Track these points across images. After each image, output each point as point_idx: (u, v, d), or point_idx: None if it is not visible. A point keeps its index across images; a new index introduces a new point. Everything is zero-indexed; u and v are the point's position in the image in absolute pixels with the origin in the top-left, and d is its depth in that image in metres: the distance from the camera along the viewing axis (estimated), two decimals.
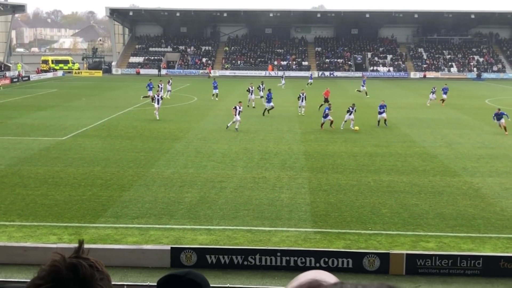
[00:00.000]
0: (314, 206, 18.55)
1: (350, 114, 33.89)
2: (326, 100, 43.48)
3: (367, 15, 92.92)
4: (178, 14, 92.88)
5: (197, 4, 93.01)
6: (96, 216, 17.31)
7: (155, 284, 2.25)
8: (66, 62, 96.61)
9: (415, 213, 18.02)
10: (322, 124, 34.31)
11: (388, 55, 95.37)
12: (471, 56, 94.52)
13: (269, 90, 40.75)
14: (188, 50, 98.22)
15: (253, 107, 43.58)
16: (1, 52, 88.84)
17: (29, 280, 1.66)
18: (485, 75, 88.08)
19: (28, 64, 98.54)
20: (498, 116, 32.96)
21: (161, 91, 45.75)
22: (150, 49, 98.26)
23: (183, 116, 39.35)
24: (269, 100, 39.31)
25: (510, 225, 17.01)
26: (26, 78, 77.21)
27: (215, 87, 50.50)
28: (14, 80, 73.57)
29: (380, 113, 35.33)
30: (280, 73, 77.96)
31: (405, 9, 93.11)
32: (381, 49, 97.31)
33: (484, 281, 13.54)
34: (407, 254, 13.98)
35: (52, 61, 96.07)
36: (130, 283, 12.31)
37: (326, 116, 34.00)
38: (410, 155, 26.96)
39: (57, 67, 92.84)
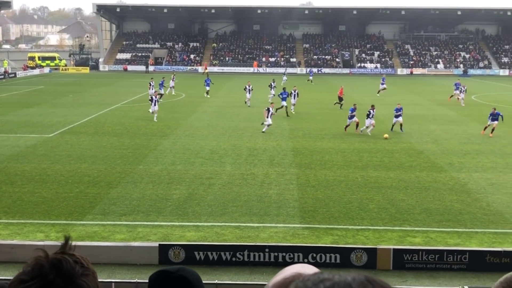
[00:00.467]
0: (302, 202, 18.62)
1: (371, 118, 31.14)
2: (340, 99, 43.10)
3: (355, 12, 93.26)
4: (165, 11, 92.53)
5: (184, 0, 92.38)
6: (84, 213, 17.24)
7: (143, 281, 2.26)
8: (53, 58, 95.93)
9: (402, 208, 18.15)
10: (346, 127, 31.82)
11: (375, 52, 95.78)
12: (458, 52, 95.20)
13: (283, 88, 40.47)
14: (176, 46, 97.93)
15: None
16: None
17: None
18: (471, 71, 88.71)
19: (15, 61, 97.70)
20: (494, 116, 31.36)
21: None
22: (138, 45, 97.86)
23: (171, 113, 39.22)
24: (283, 98, 38.76)
25: (496, 220, 17.18)
26: (13, 75, 76.61)
27: (207, 84, 50.50)
28: (0, 77, 72.98)
29: (396, 116, 32.33)
30: (270, 70, 77.91)
31: (392, 6, 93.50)
32: (368, 45, 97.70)
33: (470, 275, 13.67)
34: (394, 249, 14.08)
35: (38, 57, 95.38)
36: (118, 280, 12.27)
37: (351, 117, 31.41)
38: (397, 151, 27.12)
39: (43, 64, 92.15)
